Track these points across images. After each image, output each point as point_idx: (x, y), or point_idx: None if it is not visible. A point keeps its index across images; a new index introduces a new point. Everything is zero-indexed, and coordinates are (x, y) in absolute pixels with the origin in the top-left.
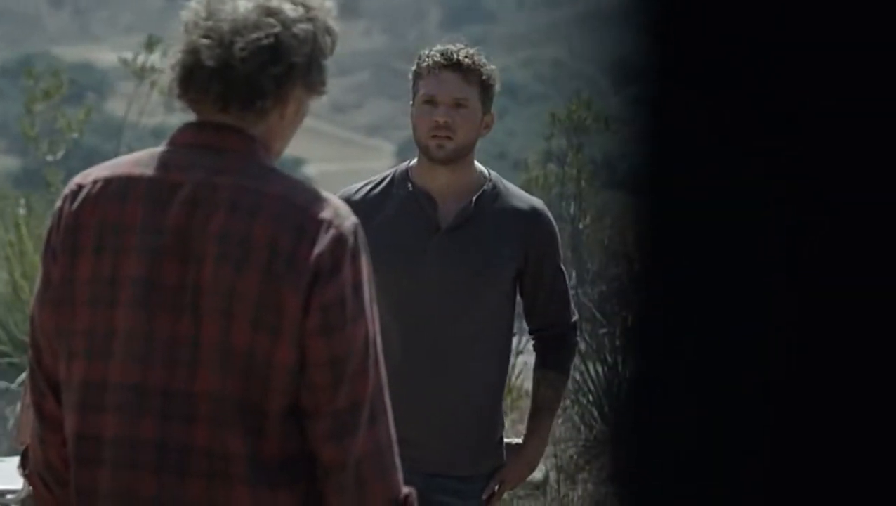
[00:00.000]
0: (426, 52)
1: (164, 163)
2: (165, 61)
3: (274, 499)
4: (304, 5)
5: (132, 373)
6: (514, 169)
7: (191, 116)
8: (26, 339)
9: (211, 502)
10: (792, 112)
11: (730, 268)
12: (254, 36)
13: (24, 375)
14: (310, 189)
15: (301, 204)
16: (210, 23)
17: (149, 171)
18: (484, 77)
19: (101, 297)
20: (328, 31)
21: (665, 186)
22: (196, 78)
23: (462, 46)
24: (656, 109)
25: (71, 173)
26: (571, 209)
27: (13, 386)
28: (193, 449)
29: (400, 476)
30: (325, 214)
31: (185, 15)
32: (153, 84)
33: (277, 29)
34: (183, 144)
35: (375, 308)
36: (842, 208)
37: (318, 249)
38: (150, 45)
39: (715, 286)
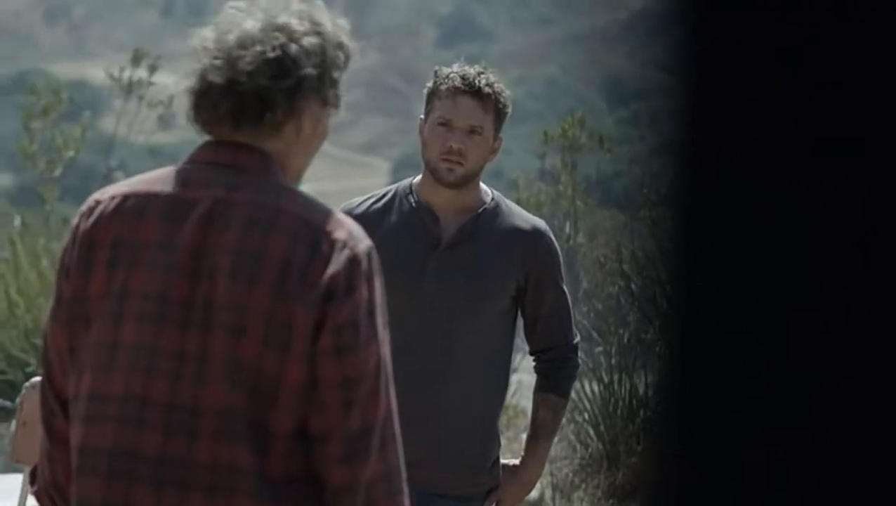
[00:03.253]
0: (446, 72)
1: (182, 180)
2: (154, 76)
3: None
4: (310, 20)
5: (135, 385)
6: (509, 187)
7: (186, 134)
8: (22, 356)
9: None
10: (805, 126)
11: (751, 284)
12: (258, 49)
13: (21, 394)
14: (326, 209)
15: (317, 223)
16: (218, 45)
17: (167, 188)
18: (500, 105)
19: (112, 310)
20: (339, 45)
21: (690, 201)
22: (207, 98)
23: (481, 70)
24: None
25: (66, 190)
26: (567, 228)
27: (9, 404)
28: (194, 464)
29: (408, 501)
30: (340, 234)
31: (195, 41)
32: (141, 98)
33: (283, 41)
34: (201, 161)
35: (388, 333)
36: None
37: (332, 269)
38: (136, 60)
39: (734, 302)
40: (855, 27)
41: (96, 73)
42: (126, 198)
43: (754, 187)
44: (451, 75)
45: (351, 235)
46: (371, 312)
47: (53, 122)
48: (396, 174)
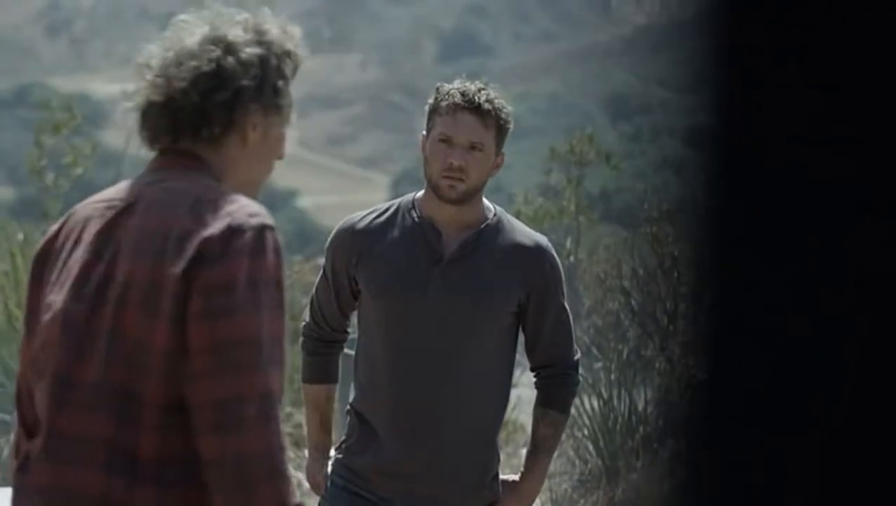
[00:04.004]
0: (447, 89)
1: (125, 187)
2: None
3: (131, 493)
4: (255, 30)
5: (54, 367)
6: (509, 202)
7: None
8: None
9: (70, 489)
10: (803, 136)
11: (752, 299)
12: (192, 64)
13: None
14: (233, 195)
15: (211, 199)
16: (160, 63)
17: (110, 195)
18: (501, 121)
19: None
20: (286, 54)
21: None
22: (148, 115)
23: (482, 86)
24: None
25: (69, 204)
26: (567, 243)
27: (8, 418)
28: (69, 435)
29: (291, 487)
30: (230, 207)
31: (140, 58)
32: None
33: (217, 54)
34: (148, 169)
35: (283, 317)
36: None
37: (206, 233)
38: None
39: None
40: (872, 59)
41: (97, 86)
42: (76, 212)
43: (759, 203)
44: (452, 92)
45: (243, 210)
46: (254, 285)
47: (64, 138)
48: (396, 189)
